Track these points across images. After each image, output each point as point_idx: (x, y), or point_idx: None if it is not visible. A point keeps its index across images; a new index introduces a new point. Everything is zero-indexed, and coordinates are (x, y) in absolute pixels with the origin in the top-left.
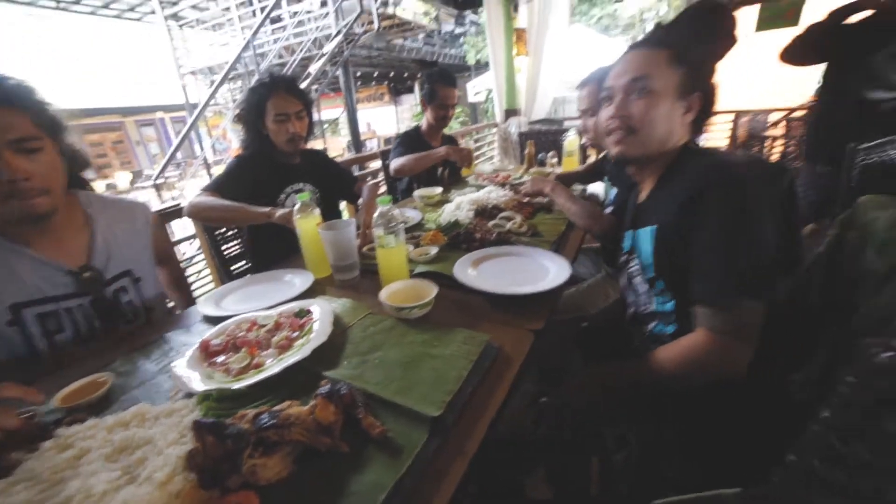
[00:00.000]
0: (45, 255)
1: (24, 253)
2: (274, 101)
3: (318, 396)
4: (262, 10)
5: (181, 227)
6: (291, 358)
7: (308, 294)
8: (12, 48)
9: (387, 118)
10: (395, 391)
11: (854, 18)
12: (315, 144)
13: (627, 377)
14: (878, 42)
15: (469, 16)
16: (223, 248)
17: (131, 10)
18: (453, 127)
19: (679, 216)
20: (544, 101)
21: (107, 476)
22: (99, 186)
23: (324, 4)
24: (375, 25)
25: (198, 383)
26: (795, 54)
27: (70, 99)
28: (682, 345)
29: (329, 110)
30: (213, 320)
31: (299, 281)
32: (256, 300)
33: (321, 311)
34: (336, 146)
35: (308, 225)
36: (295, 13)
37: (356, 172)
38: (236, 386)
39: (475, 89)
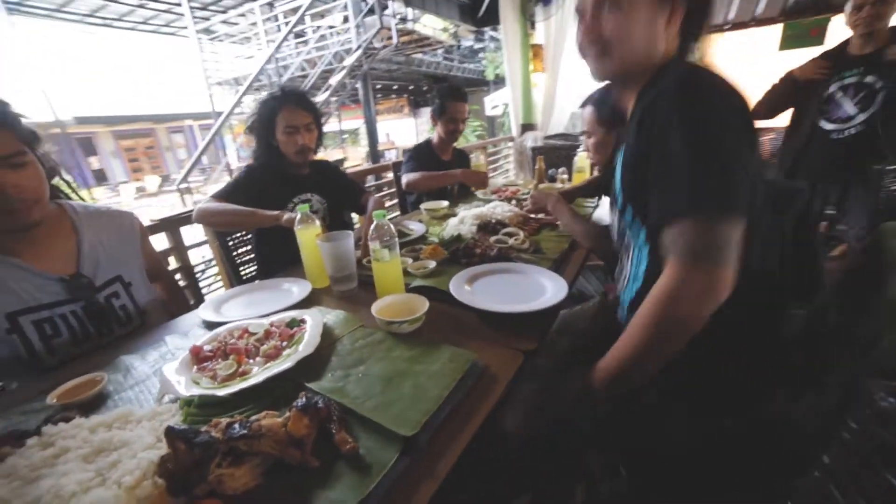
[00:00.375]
0: (35, 264)
1: (14, 264)
2: (284, 113)
3: (293, 409)
4: (287, 24)
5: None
6: (276, 368)
7: (305, 303)
8: (63, 61)
9: (406, 129)
10: (372, 407)
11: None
12: (335, 153)
13: (611, 369)
14: (833, 73)
15: (488, 32)
16: (234, 253)
17: (167, 25)
18: (470, 139)
19: (638, 129)
20: (561, 116)
21: (79, 477)
22: (130, 189)
23: (346, 20)
24: (394, 41)
25: (184, 388)
26: (762, 114)
27: (110, 107)
28: (652, 294)
29: (350, 121)
30: (211, 326)
31: (298, 290)
32: (255, 307)
33: (312, 323)
34: (356, 156)
35: (308, 236)
36: (318, 27)
37: (372, 183)
38: (219, 393)
39: (492, 103)
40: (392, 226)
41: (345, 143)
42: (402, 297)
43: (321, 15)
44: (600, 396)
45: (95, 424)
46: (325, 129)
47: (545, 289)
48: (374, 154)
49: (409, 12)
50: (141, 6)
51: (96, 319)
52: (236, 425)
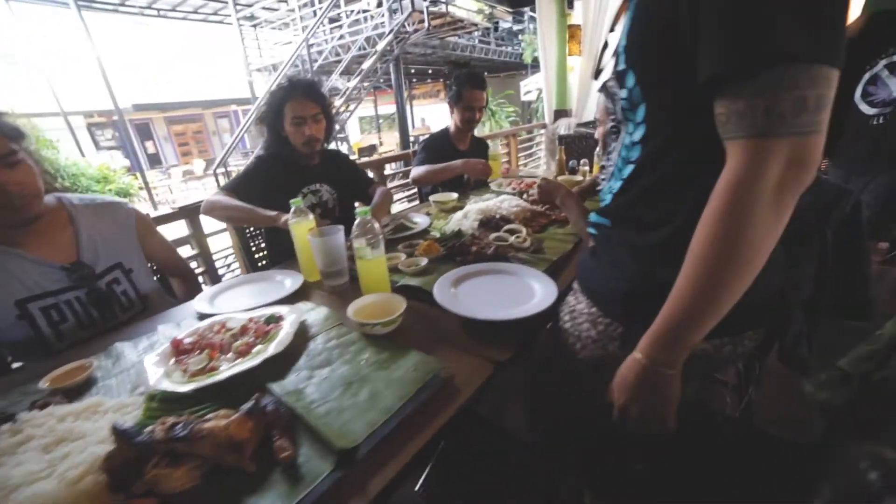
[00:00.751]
0: (38, 254)
1: (19, 255)
2: (291, 104)
3: (238, 411)
4: (322, 9)
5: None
6: (242, 366)
7: (296, 297)
8: (123, 52)
9: (441, 114)
10: (323, 413)
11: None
12: (371, 138)
13: (669, 328)
14: (877, 50)
15: (528, 12)
16: (252, 242)
17: (215, 13)
18: (503, 126)
19: None
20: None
21: (29, 468)
22: (178, 172)
23: (380, 5)
24: (426, 24)
25: (155, 381)
26: None
27: (163, 93)
28: (715, 200)
29: (386, 105)
30: (204, 317)
31: (290, 283)
32: (248, 299)
33: (290, 320)
34: (391, 141)
35: (301, 230)
36: (352, 12)
37: (401, 169)
38: (181, 389)
39: (526, 88)
40: (376, 223)
41: (380, 128)
42: (382, 297)
43: None
44: (665, 369)
45: (65, 413)
46: (362, 113)
47: (534, 294)
48: (406, 140)
49: None
50: None
51: (99, 305)
52: (180, 426)
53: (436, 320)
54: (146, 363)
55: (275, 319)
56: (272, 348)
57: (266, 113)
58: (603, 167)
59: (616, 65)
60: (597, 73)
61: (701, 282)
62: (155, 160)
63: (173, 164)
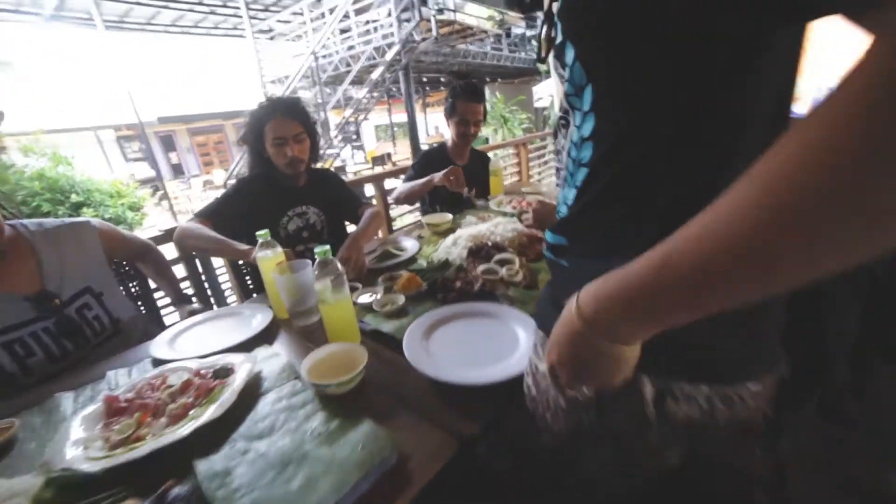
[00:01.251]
0: (0, 289)
1: None
2: (272, 124)
3: None
4: (332, 20)
5: None
6: (166, 438)
7: (263, 336)
8: (150, 68)
9: None
10: None
11: None
12: (386, 146)
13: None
14: None
15: (541, 16)
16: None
17: (234, 28)
18: (517, 133)
19: None
20: None
21: None
22: (199, 182)
23: (389, 14)
24: (434, 33)
25: (67, 453)
26: None
27: (186, 106)
28: (843, 88)
29: (401, 114)
30: (160, 363)
31: (258, 321)
32: (211, 339)
33: (242, 372)
34: (406, 149)
35: (269, 264)
36: (364, 22)
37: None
38: (86, 470)
39: (538, 94)
40: (338, 263)
41: (394, 137)
42: (343, 348)
43: (366, 10)
44: (606, 343)
45: None
46: (376, 122)
47: (518, 346)
48: (417, 148)
49: (451, 2)
50: (212, 12)
51: (71, 334)
52: None
53: (405, 370)
54: (72, 425)
55: (223, 373)
56: (208, 413)
57: (247, 133)
58: (557, 170)
59: (555, 37)
60: (547, 50)
61: (761, 199)
62: (178, 171)
63: (195, 174)
